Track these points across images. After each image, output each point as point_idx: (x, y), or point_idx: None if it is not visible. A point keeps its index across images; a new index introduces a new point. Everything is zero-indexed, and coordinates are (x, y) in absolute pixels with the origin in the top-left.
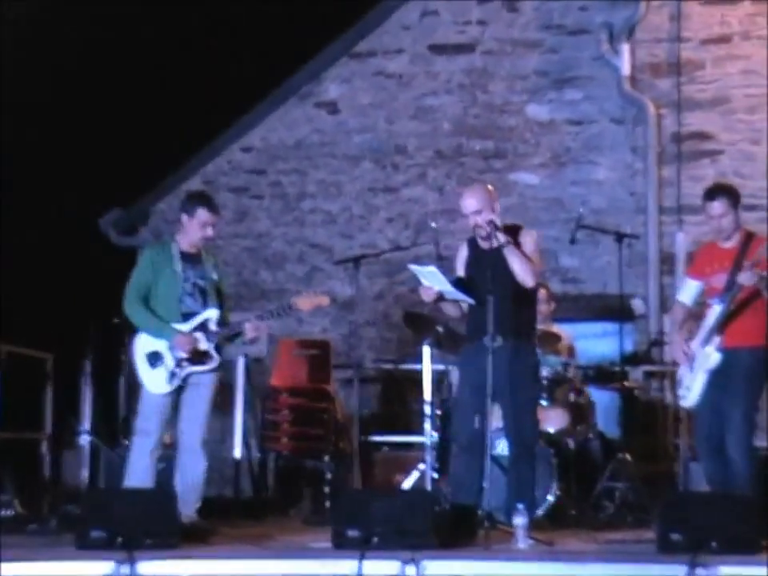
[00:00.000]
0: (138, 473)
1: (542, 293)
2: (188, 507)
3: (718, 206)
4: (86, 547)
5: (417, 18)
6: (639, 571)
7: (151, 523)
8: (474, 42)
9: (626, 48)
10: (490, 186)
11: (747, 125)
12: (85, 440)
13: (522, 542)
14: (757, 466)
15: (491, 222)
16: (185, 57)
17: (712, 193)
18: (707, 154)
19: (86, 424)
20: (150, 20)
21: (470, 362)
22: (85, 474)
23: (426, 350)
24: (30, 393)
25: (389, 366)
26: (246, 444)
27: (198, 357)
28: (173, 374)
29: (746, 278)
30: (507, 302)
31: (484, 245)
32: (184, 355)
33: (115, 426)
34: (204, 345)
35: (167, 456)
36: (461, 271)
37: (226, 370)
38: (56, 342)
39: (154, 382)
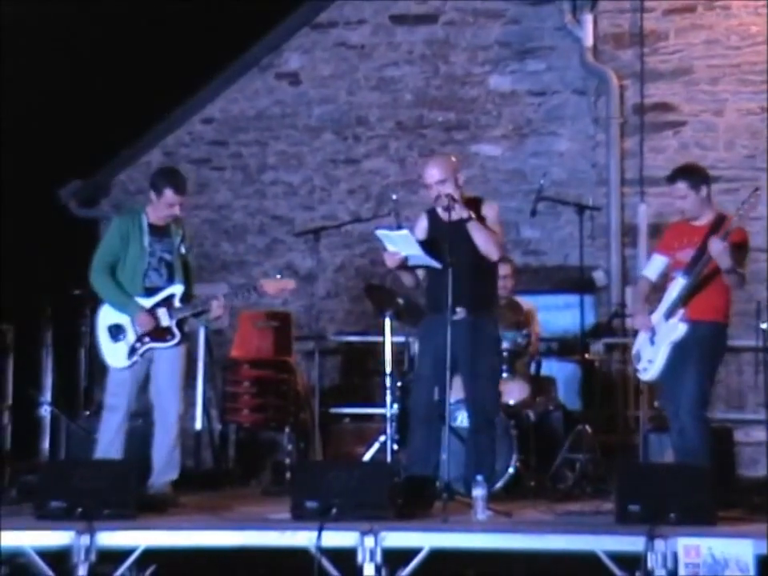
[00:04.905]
0: (105, 447)
1: (506, 268)
2: (159, 479)
3: (677, 189)
4: (45, 517)
5: None
6: (598, 542)
7: (109, 494)
8: (435, 13)
9: (588, 18)
10: (453, 158)
11: (710, 96)
12: (45, 411)
13: (481, 514)
14: (710, 438)
15: (449, 196)
16: (145, 27)
17: (672, 176)
18: (670, 125)
19: (47, 395)
20: None
21: (431, 334)
22: (45, 444)
23: (387, 322)
24: None
25: (350, 338)
26: (206, 415)
27: (159, 333)
28: (133, 349)
29: (715, 248)
30: (468, 274)
31: (444, 216)
32: (145, 331)
33: (75, 398)
34: (166, 321)
35: (141, 428)
36: None
37: (189, 341)
38: (16, 313)
39: (114, 355)
